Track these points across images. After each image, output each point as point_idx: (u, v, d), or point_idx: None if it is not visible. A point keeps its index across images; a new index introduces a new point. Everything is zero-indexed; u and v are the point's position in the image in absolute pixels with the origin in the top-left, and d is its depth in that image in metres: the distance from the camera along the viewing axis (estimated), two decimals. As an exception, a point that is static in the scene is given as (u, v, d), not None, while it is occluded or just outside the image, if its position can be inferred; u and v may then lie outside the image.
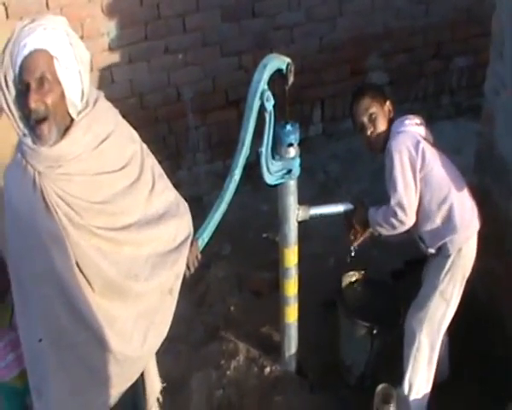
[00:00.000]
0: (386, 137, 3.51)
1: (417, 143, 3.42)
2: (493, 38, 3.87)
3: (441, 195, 3.48)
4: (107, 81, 4.96)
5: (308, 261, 4.11)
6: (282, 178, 3.42)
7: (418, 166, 3.40)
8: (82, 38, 4.61)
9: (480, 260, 3.71)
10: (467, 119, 6.00)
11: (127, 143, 2.83)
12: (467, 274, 3.62)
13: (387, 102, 3.59)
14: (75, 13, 4.73)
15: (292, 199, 3.51)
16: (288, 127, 3.34)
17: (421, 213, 3.51)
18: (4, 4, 4.60)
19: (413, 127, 3.51)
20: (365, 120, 3.54)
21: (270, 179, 3.37)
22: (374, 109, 3.53)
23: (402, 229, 3.52)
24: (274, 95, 3.16)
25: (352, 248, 3.80)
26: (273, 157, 3.34)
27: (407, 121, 3.54)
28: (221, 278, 4.72)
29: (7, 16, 4.62)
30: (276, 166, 3.36)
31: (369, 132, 3.54)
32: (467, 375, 4.02)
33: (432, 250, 3.59)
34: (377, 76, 5.76)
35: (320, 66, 5.71)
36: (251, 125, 3.17)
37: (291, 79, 3.26)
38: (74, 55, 2.57)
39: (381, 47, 5.73)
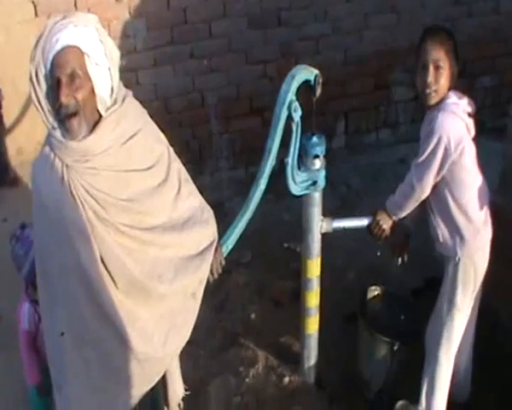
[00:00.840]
0: (440, 100, 3.35)
1: (460, 141, 3.32)
2: (520, 59, 3.85)
3: (460, 196, 3.44)
4: (131, 83, 4.97)
5: (329, 274, 4.09)
6: (307, 189, 3.41)
7: (448, 162, 3.33)
8: None
9: (503, 284, 3.68)
10: (491, 138, 5.96)
11: (155, 143, 2.84)
12: (478, 284, 3.59)
13: (456, 68, 3.34)
14: (102, 13, 4.73)
15: (316, 210, 3.50)
16: (315, 139, 3.33)
17: (438, 200, 3.48)
18: (33, 2, 4.64)
19: (465, 116, 3.38)
20: (431, 61, 3.27)
21: (295, 190, 3.36)
22: (444, 61, 3.28)
23: (413, 196, 3.46)
24: (301, 105, 3.15)
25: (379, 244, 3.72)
26: (299, 168, 3.33)
27: (462, 106, 3.38)
28: (241, 285, 4.71)
29: (36, 14, 4.65)
30: (301, 176, 3.36)
31: (429, 79, 3.29)
32: (486, 397, 3.96)
33: (440, 248, 3.57)
34: (401, 91, 5.73)
35: (344, 78, 5.71)
36: (278, 135, 3.17)
37: (318, 91, 3.25)
38: (104, 52, 2.60)
39: (405, 62, 5.70)
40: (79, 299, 2.67)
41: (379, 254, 3.81)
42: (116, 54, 2.68)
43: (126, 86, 2.83)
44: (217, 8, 5.11)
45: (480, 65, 6.03)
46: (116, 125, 2.64)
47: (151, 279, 2.75)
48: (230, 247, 3.20)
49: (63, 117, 2.55)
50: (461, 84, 5.80)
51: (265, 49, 5.37)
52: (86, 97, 2.55)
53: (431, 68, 3.29)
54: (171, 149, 2.96)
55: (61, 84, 2.50)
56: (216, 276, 3.09)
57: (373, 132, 6.03)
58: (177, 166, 2.95)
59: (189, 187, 2.99)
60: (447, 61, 3.29)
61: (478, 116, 6.03)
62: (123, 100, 2.71)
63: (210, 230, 3.02)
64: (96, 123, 2.61)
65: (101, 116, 2.62)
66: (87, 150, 2.58)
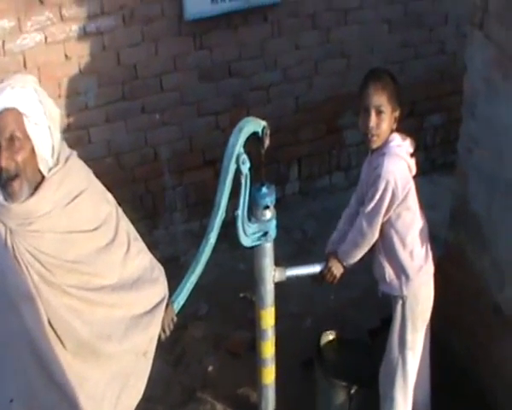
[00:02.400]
0: (383, 143, 3.41)
1: (406, 183, 3.40)
2: (465, 99, 3.96)
3: (405, 235, 3.51)
4: (84, 141, 4.99)
5: (285, 321, 4.11)
6: (259, 240, 3.41)
7: (396, 204, 3.41)
8: (59, 97, 4.75)
9: (456, 317, 3.73)
10: (441, 175, 6.08)
11: (101, 203, 2.83)
12: (427, 320, 3.66)
13: (398, 111, 3.41)
14: (52, 72, 4.79)
15: (268, 261, 3.50)
16: (264, 189, 3.33)
17: (385, 241, 3.55)
18: (-18, 65, 4.64)
19: (408, 158, 3.45)
20: (373, 106, 3.34)
21: (246, 242, 3.36)
22: (386, 106, 3.35)
23: (365, 243, 3.53)
24: (250, 155, 3.16)
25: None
26: (249, 219, 3.34)
27: (405, 147, 3.44)
28: (198, 339, 4.68)
29: (-15, 76, 4.65)
30: (252, 228, 3.36)
31: (371, 124, 3.35)
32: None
33: (386, 288, 3.63)
34: (353, 134, 5.80)
35: (296, 125, 5.78)
36: (227, 188, 3.17)
37: (267, 142, 3.26)
38: (43, 111, 2.59)
39: (356, 106, 5.80)
40: (27, 365, 2.65)
41: (332, 297, 3.84)
42: (56, 112, 2.68)
43: (78, 144, 2.83)
44: (167, 62, 5.16)
45: (428, 104, 6.17)
46: (59, 186, 2.63)
47: (100, 340, 2.73)
48: (182, 302, 3.19)
49: (4, 181, 2.53)
50: (410, 123, 6.00)
51: (217, 100, 5.42)
52: (27, 159, 2.54)
53: (373, 113, 3.35)
54: (119, 209, 2.96)
55: (0, 149, 2.49)
56: (168, 333, 3.07)
57: (326, 177, 6.11)
58: (126, 225, 2.94)
59: (139, 245, 2.98)
60: (389, 105, 3.36)
61: (429, 154, 6.21)
62: (66, 160, 2.69)
63: (160, 287, 3.01)
64: (39, 184, 2.59)
65: (43, 177, 2.61)
66: (30, 212, 2.57)
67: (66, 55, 4.80)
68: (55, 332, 2.65)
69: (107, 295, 2.75)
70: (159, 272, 3.04)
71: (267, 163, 3.33)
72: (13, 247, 2.57)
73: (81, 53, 4.84)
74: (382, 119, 3.36)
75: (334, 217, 5.43)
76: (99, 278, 2.73)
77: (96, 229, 2.74)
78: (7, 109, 2.52)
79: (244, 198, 3.26)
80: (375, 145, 3.42)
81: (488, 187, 3.79)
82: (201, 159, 5.53)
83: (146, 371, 3.01)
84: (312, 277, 3.72)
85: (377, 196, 3.38)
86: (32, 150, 2.57)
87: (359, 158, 5.89)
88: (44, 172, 2.61)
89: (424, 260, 3.60)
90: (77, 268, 2.66)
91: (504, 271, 3.73)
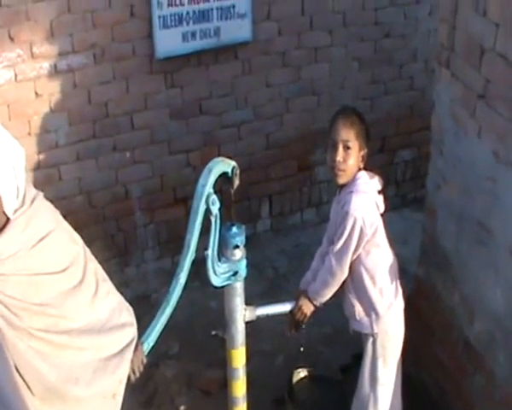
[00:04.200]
0: (350, 181, 3.46)
1: (374, 220, 3.45)
2: (433, 136, 4.02)
3: (374, 273, 3.55)
4: (54, 179, 4.98)
5: (257, 358, 4.10)
6: (229, 279, 3.38)
7: (364, 241, 3.44)
8: (29, 134, 4.75)
9: (427, 352, 3.73)
10: (412, 210, 6.15)
11: (69, 243, 2.78)
12: (398, 355, 3.68)
13: (365, 150, 3.48)
14: (22, 110, 4.79)
15: (238, 300, 3.48)
16: (234, 229, 3.31)
17: (355, 279, 3.57)
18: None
19: (376, 195, 3.51)
20: (341, 141, 3.40)
21: (216, 281, 3.33)
22: (353, 142, 3.41)
23: (335, 282, 3.55)
24: (221, 194, 3.17)
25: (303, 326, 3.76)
26: (219, 259, 3.33)
27: (373, 185, 3.50)
28: (170, 378, 4.65)
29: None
30: (222, 268, 3.33)
31: (338, 158, 3.42)
32: None
33: (357, 326, 3.65)
34: (324, 171, 5.82)
35: (267, 162, 5.83)
36: (196, 229, 3.15)
37: (236, 183, 3.25)
38: (7, 151, 2.53)
39: (327, 143, 5.84)
40: None
41: (302, 349, 3.86)
42: (21, 152, 2.61)
43: (48, 183, 2.79)
44: (138, 100, 5.18)
45: (398, 140, 6.26)
46: (25, 227, 2.57)
47: (68, 383, 2.69)
48: (152, 344, 3.16)
49: None
50: (381, 158, 6.06)
51: (188, 138, 5.45)
52: None
53: (340, 147, 3.41)
54: (87, 249, 2.91)
55: None
56: (138, 374, 3.04)
57: (297, 213, 6.15)
58: (94, 266, 2.90)
59: (107, 286, 2.94)
60: (356, 142, 3.42)
61: (400, 189, 6.27)
62: (32, 201, 2.64)
63: (129, 329, 2.97)
64: (4, 226, 2.54)
65: (8, 219, 2.55)
66: None
67: (36, 93, 4.81)
68: (23, 378, 2.60)
69: (74, 337, 2.71)
70: (128, 313, 3.01)
71: (238, 201, 3.34)
72: None
73: (52, 90, 4.85)
74: (349, 154, 3.41)
75: (305, 253, 5.50)
76: (67, 321, 2.70)
77: (63, 270, 2.70)
78: None
79: (214, 238, 3.24)
80: (341, 181, 3.46)
81: (457, 223, 3.82)
82: (172, 196, 5.54)
83: None
84: (288, 324, 3.73)
85: (345, 234, 3.41)
86: None
87: (330, 194, 5.90)
88: (9, 213, 2.55)
89: (394, 296, 3.62)
90: (44, 311, 2.62)
91: (473, 306, 3.75)
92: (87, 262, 2.84)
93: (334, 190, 3.68)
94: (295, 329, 3.76)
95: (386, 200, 3.58)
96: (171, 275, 3.28)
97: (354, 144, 3.42)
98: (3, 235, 2.53)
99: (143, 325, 3.12)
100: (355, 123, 3.46)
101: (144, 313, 3.14)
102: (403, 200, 6.44)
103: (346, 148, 3.41)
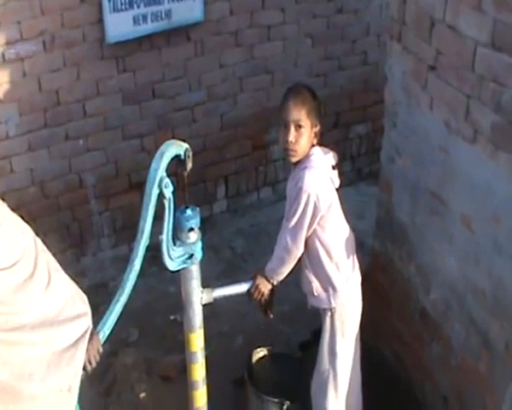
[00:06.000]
0: (304, 157, 3.44)
1: (328, 195, 3.44)
2: (386, 109, 4.04)
3: (330, 248, 3.55)
4: (5, 171, 4.93)
5: (216, 340, 4.10)
6: (184, 263, 3.37)
7: (319, 217, 3.44)
8: None
9: (385, 323, 3.76)
10: (368, 184, 6.20)
11: (18, 236, 2.71)
12: (356, 329, 3.70)
13: (318, 127, 3.46)
14: (-29, 101, 4.68)
15: (195, 283, 3.46)
16: (189, 212, 3.29)
17: (311, 255, 3.57)
18: None
19: (329, 170, 3.50)
20: (292, 121, 3.37)
21: (171, 266, 3.30)
22: (305, 121, 3.38)
23: (290, 258, 3.54)
24: (176, 176, 3.14)
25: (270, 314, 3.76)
26: (174, 243, 3.31)
27: (327, 160, 3.49)
28: (129, 366, 4.61)
29: None
30: (177, 251, 3.31)
31: (289, 138, 3.39)
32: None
33: (315, 301, 3.66)
34: (279, 149, 5.79)
35: (222, 143, 5.82)
36: (150, 214, 3.13)
37: (189, 165, 3.22)
38: None
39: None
40: None
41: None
42: None
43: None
44: (90, 87, 5.12)
45: (353, 115, 6.31)
46: None
47: (21, 380, 2.64)
48: (108, 332, 3.12)
49: None
50: (336, 134, 6.07)
51: (141, 123, 5.42)
52: None
53: (292, 128, 3.38)
54: (39, 240, 2.85)
55: None
56: (94, 365, 2.98)
57: (254, 193, 6.17)
58: (46, 257, 2.85)
59: (60, 276, 2.88)
60: (308, 120, 3.40)
61: (355, 163, 6.30)
62: None
63: (83, 319, 2.92)
64: None
65: None
66: None
67: (-16, 83, 4.70)
68: None
69: (27, 333, 2.66)
70: (82, 302, 2.96)
71: (193, 183, 3.32)
72: None
73: (0, 80, 4.75)
74: (301, 133, 3.40)
75: (262, 232, 5.53)
76: (18, 316, 2.64)
77: (13, 264, 2.63)
78: None
79: (168, 222, 3.22)
80: (293, 159, 3.46)
81: (411, 195, 3.85)
82: (127, 183, 5.52)
83: (71, 407, 2.90)
84: (248, 296, 3.72)
85: (299, 210, 3.41)
86: None
87: (286, 172, 5.89)
88: None
89: (351, 270, 3.64)
90: None
91: (429, 276, 3.79)
92: (38, 254, 2.78)
93: (289, 168, 3.67)
94: (264, 313, 3.75)
95: (341, 175, 3.58)
96: (128, 262, 3.26)
97: (306, 123, 3.40)
98: None
99: (101, 313, 3.09)
100: (306, 100, 3.43)
101: (102, 301, 3.13)
102: (358, 174, 6.48)
103: (298, 127, 3.39)
